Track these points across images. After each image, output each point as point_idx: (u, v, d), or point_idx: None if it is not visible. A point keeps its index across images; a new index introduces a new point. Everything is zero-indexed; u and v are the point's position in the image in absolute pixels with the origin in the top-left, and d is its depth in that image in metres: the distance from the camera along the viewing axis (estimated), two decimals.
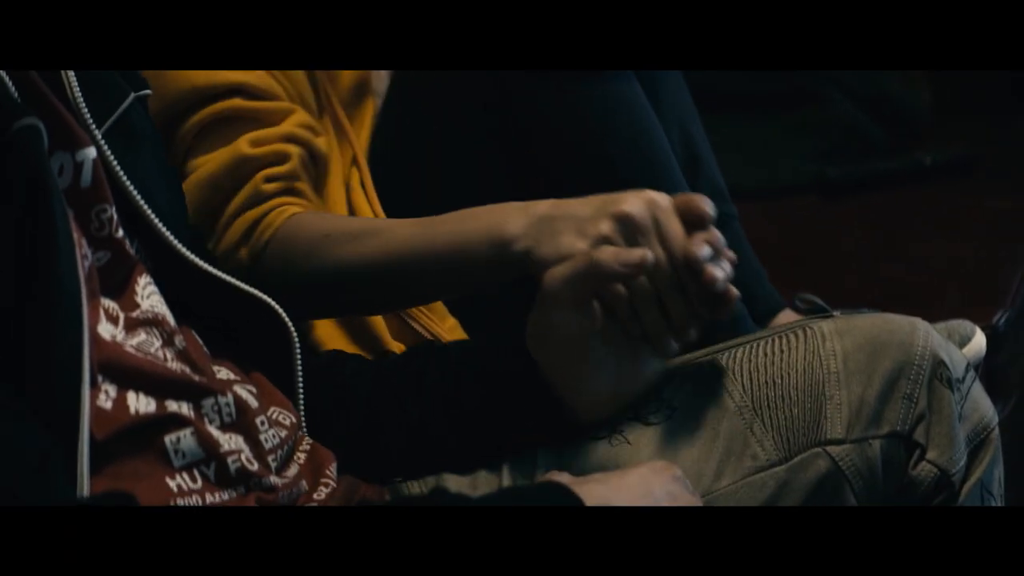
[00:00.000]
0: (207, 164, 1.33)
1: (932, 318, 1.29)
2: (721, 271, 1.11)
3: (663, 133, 1.49)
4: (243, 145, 1.34)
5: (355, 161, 1.48)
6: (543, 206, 1.17)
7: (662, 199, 1.13)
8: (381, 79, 1.55)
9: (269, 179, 1.33)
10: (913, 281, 1.93)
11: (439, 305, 1.46)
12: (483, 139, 1.46)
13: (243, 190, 1.33)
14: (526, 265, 1.16)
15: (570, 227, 1.14)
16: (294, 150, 1.35)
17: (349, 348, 1.41)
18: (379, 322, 1.43)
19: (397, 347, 1.43)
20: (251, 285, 1.15)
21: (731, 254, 1.13)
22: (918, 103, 2.34)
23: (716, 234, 1.12)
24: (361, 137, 1.50)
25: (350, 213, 1.45)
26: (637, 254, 1.09)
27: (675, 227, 1.12)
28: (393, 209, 1.45)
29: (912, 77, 2.36)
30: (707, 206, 1.13)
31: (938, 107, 2.35)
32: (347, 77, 1.48)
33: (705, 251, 1.10)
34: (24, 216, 0.93)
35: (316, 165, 1.40)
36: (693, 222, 1.12)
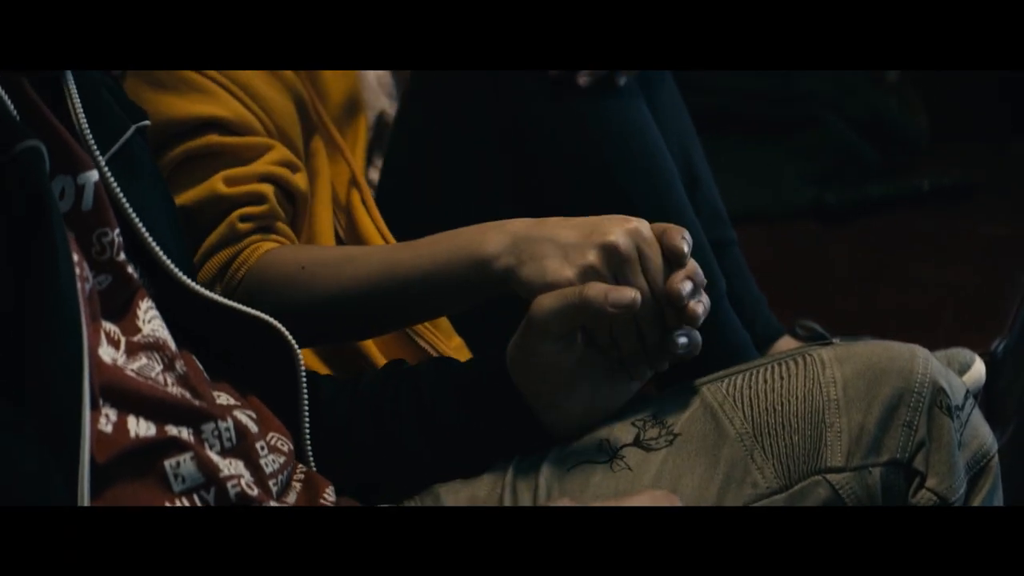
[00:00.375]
0: (183, 199, 1.33)
1: (931, 342, 1.29)
2: (702, 306, 1.14)
3: (664, 145, 1.50)
4: (218, 184, 1.33)
5: (354, 180, 1.47)
6: (520, 224, 1.19)
7: (645, 229, 1.15)
8: (372, 93, 1.55)
9: (244, 218, 1.33)
10: (912, 305, 1.93)
11: (445, 324, 1.46)
12: (488, 151, 1.46)
13: (218, 228, 1.33)
14: (507, 283, 1.18)
15: (555, 252, 1.15)
16: (269, 190, 1.35)
17: (333, 370, 1.41)
18: (367, 343, 1.43)
19: None
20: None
21: (704, 282, 1.16)
22: (916, 128, 2.34)
23: (696, 268, 1.15)
24: (356, 154, 1.50)
25: (353, 232, 1.45)
26: (628, 296, 1.11)
27: (658, 260, 1.15)
28: (398, 225, 1.45)
29: (910, 102, 2.36)
30: (685, 243, 1.15)
31: (936, 132, 2.35)
32: (337, 93, 1.48)
33: (688, 287, 1.13)
34: (24, 238, 0.93)
35: (293, 203, 1.39)
36: (671, 256, 1.15)
